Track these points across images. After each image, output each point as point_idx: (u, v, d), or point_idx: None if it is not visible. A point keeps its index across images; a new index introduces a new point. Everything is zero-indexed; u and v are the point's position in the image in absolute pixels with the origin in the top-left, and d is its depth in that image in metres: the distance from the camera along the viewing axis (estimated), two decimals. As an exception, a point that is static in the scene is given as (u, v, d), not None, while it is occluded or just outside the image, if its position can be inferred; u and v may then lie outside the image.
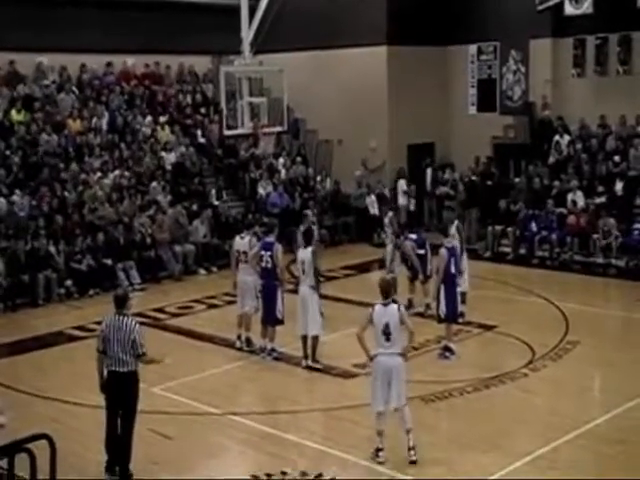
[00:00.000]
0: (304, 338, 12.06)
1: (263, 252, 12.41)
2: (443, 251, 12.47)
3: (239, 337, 13.04)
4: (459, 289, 12.94)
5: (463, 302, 13.57)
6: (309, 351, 12.06)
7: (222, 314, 14.64)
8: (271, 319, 12.41)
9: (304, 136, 24.01)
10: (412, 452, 8.99)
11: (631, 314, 14.58)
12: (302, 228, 14.51)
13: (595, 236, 17.88)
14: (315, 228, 15.49)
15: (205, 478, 8.95)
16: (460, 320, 13.53)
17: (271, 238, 12.60)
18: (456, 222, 14.44)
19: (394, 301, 9.19)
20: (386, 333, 8.97)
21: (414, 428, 9.12)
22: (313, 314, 11.97)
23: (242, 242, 12.99)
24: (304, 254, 12.09)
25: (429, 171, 22.17)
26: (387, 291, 9.20)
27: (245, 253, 12.83)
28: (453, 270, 12.45)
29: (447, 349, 12.39)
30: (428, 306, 14.10)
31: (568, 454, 9.18)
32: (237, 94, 19.06)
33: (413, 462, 8.93)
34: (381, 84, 22.21)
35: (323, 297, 12.64)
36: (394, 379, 9.01)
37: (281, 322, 12.43)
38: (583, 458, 9.13)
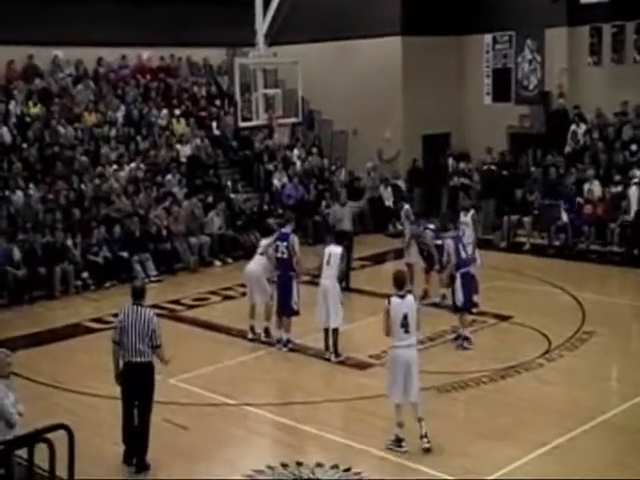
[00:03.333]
0: (326, 331, 12.05)
1: (279, 243, 12.46)
2: (449, 242, 12.57)
3: (251, 328, 13.09)
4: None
5: (476, 292, 13.60)
6: (331, 344, 12.04)
7: (237, 305, 14.65)
8: (287, 310, 12.43)
9: (319, 127, 24.00)
10: (425, 439, 8.97)
11: (648, 304, 14.51)
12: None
13: (612, 225, 17.77)
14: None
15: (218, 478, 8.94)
16: (474, 310, 13.55)
17: (287, 229, 12.64)
18: (472, 211, 14.42)
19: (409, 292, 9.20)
20: (404, 325, 8.95)
21: (430, 418, 9.14)
22: (334, 307, 11.93)
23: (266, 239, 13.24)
24: (333, 248, 12.13)
25: (450, 161, 22.00)
26: (403, 282, 9.17)
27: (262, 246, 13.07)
28: (464, 256, 12.49)
29: (465, 338, 12.37)
30: (444, 296, 14.08)
31: (585, 444, 9.15)
32: (252, 86, 19.03)
33: (427, 449, 8.93)
34: (396, 74, 22.16)
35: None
36: (413, 372, 9.02)
37: (297, 313, 12.45)
38: (600, 448, 9.09)
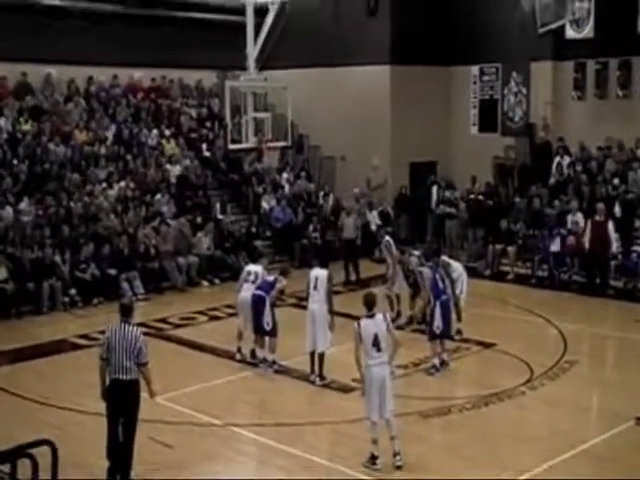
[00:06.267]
0: (312, 354, 12.14)
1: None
2: (426, 270, 12.75)
3: (239, 350, 13.17)
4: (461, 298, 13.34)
5: (459, 320, 13.71)
6: (316, 367, 12.13)
7: (224, 326, 14.75)
8: (260, 329, 12.54)
9: (308, 152, 24.20)
10: (398, 457, 9.19)
11: (629, 335, 14.65)
12: None
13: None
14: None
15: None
16: (457, 337, 13.68)
17: (271, 277, 12.88)
18: (443, 258, 14.09)
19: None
20: (376, 344, 9.22)
21: (412, 443, 9.31)
22: (322, 331, 12.00)
23: (256, 265, 13.27)
24: (319, 271, 12.24)
25: (434, 189, 22.24)
26: (372, 304, 9.46)
27: (256, 274, 12.97)
28: (441, 285, 12.63)
29: (434, 366, 12.43)
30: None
31: (565, 472, 9.24)
32: (242, 109, 19.29)
33: (399, 467, 9.14)
34: (384, 103, 22.43)
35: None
36: (387, 388, 9.23)
37: (269, 333, 12.53)
38: (580, 477, 9.15)
